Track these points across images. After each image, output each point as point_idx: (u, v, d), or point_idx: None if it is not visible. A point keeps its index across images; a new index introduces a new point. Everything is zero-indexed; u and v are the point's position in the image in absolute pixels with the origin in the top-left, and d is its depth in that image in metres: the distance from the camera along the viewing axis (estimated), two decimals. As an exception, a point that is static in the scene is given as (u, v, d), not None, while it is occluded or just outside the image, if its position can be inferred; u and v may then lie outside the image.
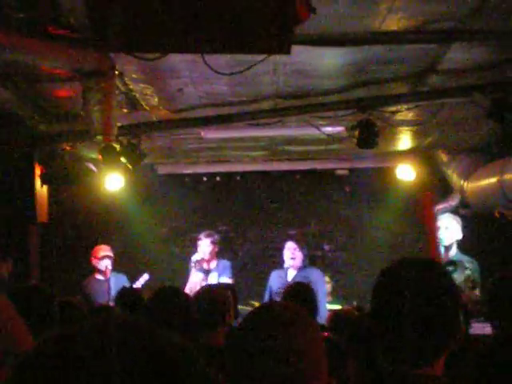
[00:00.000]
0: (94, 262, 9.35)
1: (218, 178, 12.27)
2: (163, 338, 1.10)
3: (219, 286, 7.54)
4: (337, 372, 3.91)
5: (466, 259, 8.06)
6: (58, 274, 10.82)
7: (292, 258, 9.20)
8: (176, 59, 5.70)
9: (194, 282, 9.11)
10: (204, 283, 9.03)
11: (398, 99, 7.21)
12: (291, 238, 10.38)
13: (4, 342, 2.67)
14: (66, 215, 10.91)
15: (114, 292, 8.17)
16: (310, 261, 9.99)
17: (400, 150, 10.59)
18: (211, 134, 8.84)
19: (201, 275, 9.21)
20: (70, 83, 6.12)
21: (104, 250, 9.39)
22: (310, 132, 8.66)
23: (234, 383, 2.05)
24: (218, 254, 9.63)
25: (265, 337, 2.01)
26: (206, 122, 7.87)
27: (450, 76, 6.55)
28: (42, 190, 8.34)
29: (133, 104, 7.23)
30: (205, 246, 9.33)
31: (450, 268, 7.80)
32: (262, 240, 12.48)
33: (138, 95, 6.98)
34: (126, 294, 6.75)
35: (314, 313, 6.10)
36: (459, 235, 8.38)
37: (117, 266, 9.51)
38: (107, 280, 9.14)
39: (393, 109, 7.53)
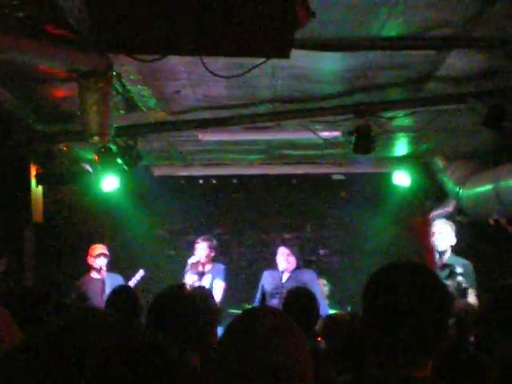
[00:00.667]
0: (90, 260, 9.36)
1: (214, 181, 12.27)
2: (135, 334, 1.10)
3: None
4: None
5: (460, 263, 8.07)
6: (52, 274, 10.80)
7: (285, 263, 9.23)
8: (174, 61, 5.69)
9: (189, 284, 9.12)
10: (197, 285, 9.08)
11: (395, 105, 7.22)
12: (284, 242, 10.39)
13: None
14: (61, 215, 10.89)
15: (108, 291, 8.17)
16: (305, 265, 10.00)
17: (396, 155, 10.60)
18: (208, 136, 8.83)
19: (195, 277, 9.25)
20: (68, 83, 6.11)
21: (100, 249, 9.40)
22: (306, 136, 8.66)
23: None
24: (214, 258, 9.67)
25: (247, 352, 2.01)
26: (203, 124, 7.87)
27: (447, 83, 6.55)
28: (37, 189, 8.33)
29: (130, 105, 7.22)
30: (201, 249, 9.39)
31: (445, 273, 7.80)
32: (258, 243, 12.48)
33: (135, 96, 6.97)
34: (119, 293, 6.75)
35: (315, 318, 6.09)
36: (453, 240, 8.40)
37: (112, 268, 9.50)
38: (102, 279, 9.14)
39: (390, 114, 7.53)
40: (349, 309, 9.16)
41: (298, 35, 4.26)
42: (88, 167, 9.19)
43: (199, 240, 9.50)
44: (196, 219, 12.25)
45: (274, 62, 5.13)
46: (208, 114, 7.64)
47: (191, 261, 9.36)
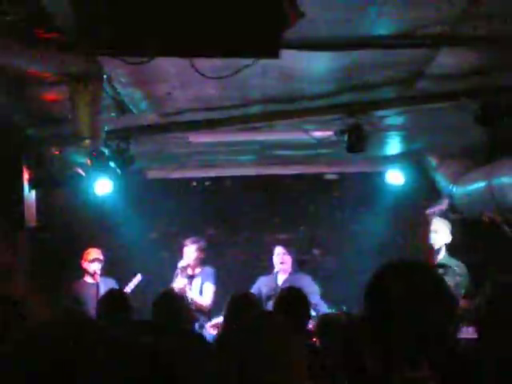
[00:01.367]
0: (84, 264, 9.36)
1: (207, 183, 12.27)
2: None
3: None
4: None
5: (454, 263, 8.09)
6: (46, 278, 10.77)
7: (281, 263, 9.25)
8: (164, 63, 5.68)
9: (178, 288, 9.13)
10: (188, 288, 9.09)
11: (386, 104, 7.21)
12: (278, 243, 10.41)
13: None
14: (54, 220, 10.86)
15: (102, 295, 8.19)
16: (299, 265, 10.02)
17: (389, 154, 10.60)
18: (200, 138, 8.82)
19: (185, 281, 9.24)
20: (58, 87, 6.09)
21: (94, 253, 9.41)
22: (299, 136, 8.66)
23: None
24: (205, 260, 9.66)
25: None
26: (195, 126, 7.86)
27: (438, 81, 6.55)
28: (30, 194, 8.31)
29: (121, 108, 7.20)
30: (190, 252, 9.37)
31: (441, 271, 7.82)
32: (252, 245, 12.48)
33: (126, 99, 6.96)
34: (111, 297, 6.77)
35: (307, 319, 6.10)
36: (448, 239, 8.43)
37: (106, 271, 9.50)
38: (97, 284, 9.14)
39: (382, 113, 7.53)
40: (344, 308, 9.16)
41: (288, 35, 4.26)
42: (81, 171, 9.17)
43: (188, 243, 9.47)
44: (189, 221, 12.23)
45: (265, 62, 5.12)
46: (199, 116, 7.63)
47: (181, 264, 9.34)
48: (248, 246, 12.50)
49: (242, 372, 2.10)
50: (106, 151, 8.16)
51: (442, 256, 8.36)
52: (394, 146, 10.01)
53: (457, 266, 8.02)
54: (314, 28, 5.03)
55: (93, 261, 9.29)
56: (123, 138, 8.18)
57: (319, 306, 8.89)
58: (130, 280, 9.61)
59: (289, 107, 7.36)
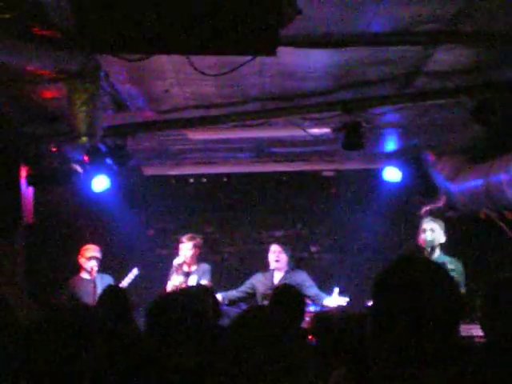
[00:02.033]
0: (81, 260, 9.34)
1: (204, 180, 12.26)
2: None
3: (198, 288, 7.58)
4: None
5: (448, 260, 8.11)
6: (43, 275, 10.77)
7: (276, 261, 9.25)
8: (162, 60, 5.68)
9: (175, 286, 9.11)
10: (184, 286, 9.05)
11: (384, 101, 7.21)
12: (276, 240, 10.41)
13: None
14: (51, 217, 10.86)
15: (99, 291, 8.18)
16: (297, 262, 10.02)
17: (386, 151, 10.60)
18: (197, 135, 8.82)
19: (181, 278, 9.20)
20: (55, 84, 6.09)
21: (92, 250, 9.38)
22: (296, 133, 8.66)
23: None
24: (201, 257, 9.64)
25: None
26: (193, 123, 7.85)
27: (436, 78, 6.56)
28: (27, 191, 8.31)
29: (118, 105, 7.20)
30: (186, 249, 9.33)
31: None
32: (249, 242, 12.48)
33: (123, 96, 6.96)
34: (110, 293, 6.76)
35: (301, 315, 6.12)
36: (443, 238, 8.46)
37: (103, 267, 9.49)
38: (93, 280, 9.12)
39: (379, 110, 7.54)
40: (340, 305, 9.16)
41: (285, 32, 4.26)
42: (78, 168, 9.17)
43: (184, 239, 9.43)
44: (187, 218, 12.24)
45: (262, 59, 5.13)
46: (197, 113, 7.63)
47: (176, 262, 9.30)
48: (245, 243, 12.51)
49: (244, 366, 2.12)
50: (103, 148, 8.16)
51: (436, 255, 8.38)
52: (391, 143, 10.01)
53: (451, 262, 8.04)
54: (312, 25, 5.03)
55: (90, 258, 9.28)
56: (120, 135, 8.18)
57: (318, 297, 8.90)
58: (127, 274, 9.59)
59: (286, 104, 7.37)
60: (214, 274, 9.67)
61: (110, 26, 3.77)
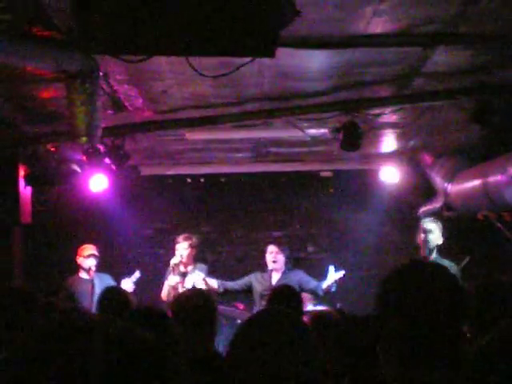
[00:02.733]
0: (79, 260, 9.33)
1: (202, 180, 12.27)
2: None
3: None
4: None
5: (446, 263, 8.12)
6: (41, 275, 10.78)
7: (274, 262, 9.25)
8: (161, 61, 5.69)
9: (171, 286, 9.11)
10: (181, 286, 9.03)
11: (382, 102, 7.23)
12: (273, 240, 10.42)
13: None
14: (49, 216, 10.87)
15: (98, 291, 8.18)
16: (294, 262, 10.03)
17: (384, 152, 10.62)
18: (196, 135, 8.82)
19: (178, 278, 9.18)
20: (55, 84, 6.10)
21: (90, 249, 9.38)
22: (294, 134, 8.67)
23: None
24: (197, 257, 9.62)
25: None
26: (191, 123, 7.86)
27: (434, 79, 6.57)
28: (25, 190, 8.32)
29: (117, 105, 7.21)
30: (182, 248, 9.29)
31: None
32: (246, 242, 12.49)
33: (122, 96, 6.96)
34: (110, 293, 6.75)
35: (299, 314, 6.13)
36: (440, 240, 8.47)
37: (101, 267, 9.49)
38: (91, 280, 9.12)
39: (377, 111, 7.55)
40: (338, 305, 9.18)
41: (284, 33, 4.26)
42: (76, 167, 9.17)
43: (180, 239, 9.39)
44: (184, 218, 12.25)
45: (261, 60, 5.13)
46: (195, 113, 7.63)
47: (173, 261, 9.28)
48: (242, 243, 12.52)
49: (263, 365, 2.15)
50: (102, 148, 8.16)
51: (433, 257, 8.40)
52: (388, 143, 10.03)
53: (449, 266, 8.04)
54: (310, 26, 5.04)
55: (88, 257, 9.27)
56: (119, 135, 8.18)
57: (318, 286, 8.92)
58: (125, 276, 9.56)
59: (284, 105, 7.37)
60: (211, 274, 9.66)
61: (110, 28, 3.78)
